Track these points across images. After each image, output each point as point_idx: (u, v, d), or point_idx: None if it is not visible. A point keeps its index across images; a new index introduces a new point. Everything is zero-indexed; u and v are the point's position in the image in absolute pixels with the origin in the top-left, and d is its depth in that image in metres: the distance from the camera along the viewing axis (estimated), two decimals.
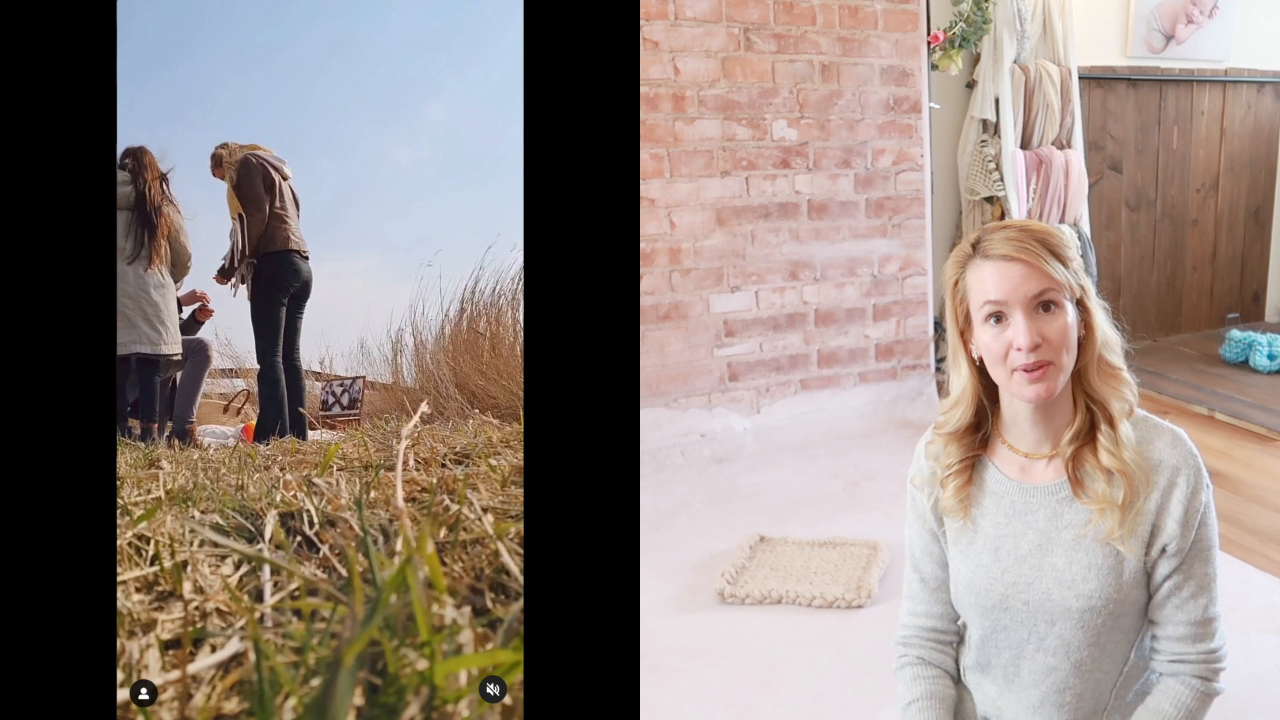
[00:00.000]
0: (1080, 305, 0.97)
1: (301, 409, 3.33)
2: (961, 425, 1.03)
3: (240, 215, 3.31)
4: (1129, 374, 1.00)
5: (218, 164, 3.42)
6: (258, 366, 3.37)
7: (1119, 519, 0.95)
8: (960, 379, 1.03)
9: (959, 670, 1.13)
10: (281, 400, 3.26)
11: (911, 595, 1.13)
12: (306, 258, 3.38)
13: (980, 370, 1.01)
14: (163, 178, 3.31)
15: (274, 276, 3.26)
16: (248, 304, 3.38)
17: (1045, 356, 0.94)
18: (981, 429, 1.04)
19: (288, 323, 3.31)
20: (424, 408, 1.82)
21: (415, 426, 1.71)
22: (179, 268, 3.39)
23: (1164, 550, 0.97)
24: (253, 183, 3.28)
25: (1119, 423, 0.97)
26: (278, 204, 3.32)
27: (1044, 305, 0.94)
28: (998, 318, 0.95)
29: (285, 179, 3.41)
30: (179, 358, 3.46)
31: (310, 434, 3.49)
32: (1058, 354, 0.94)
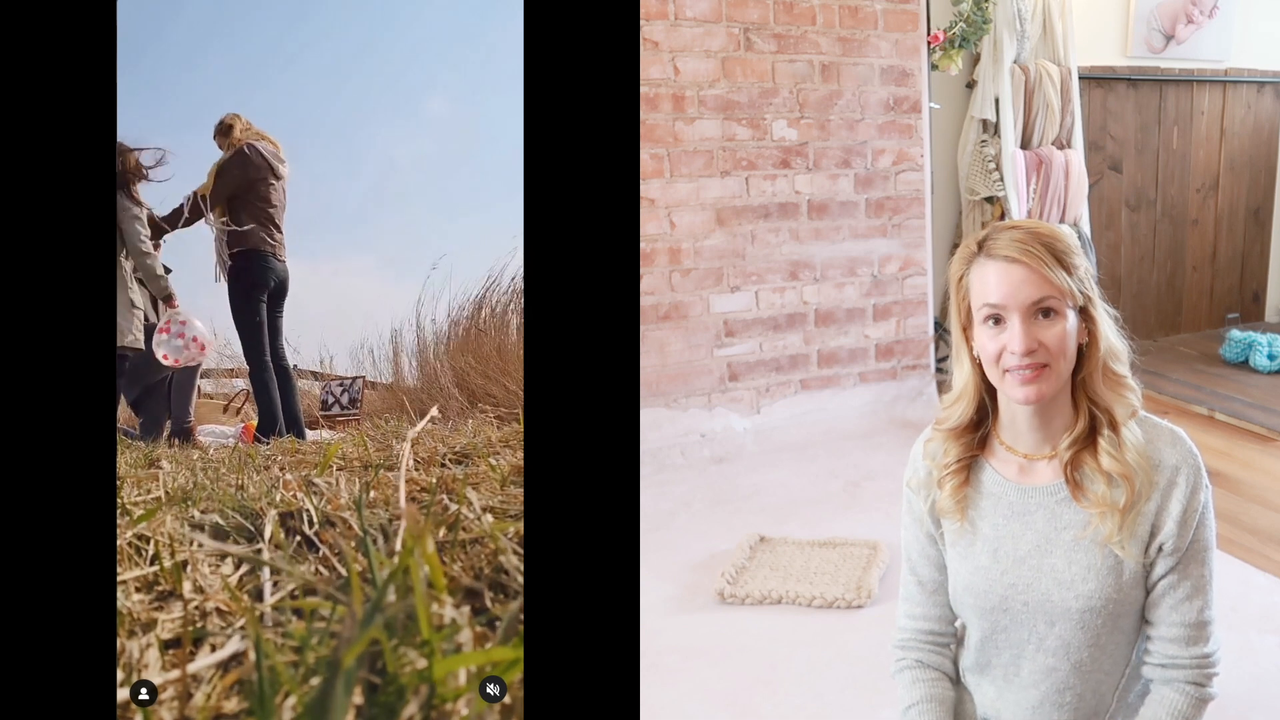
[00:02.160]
0: (1084, 313, 0.96)
1: (295, 407, 3.33)
2: (963, 421, 1.03)
3: (204, 197, 3.26)
4: (1134, 380, 0.99)
5: (223, 133, 3.35)
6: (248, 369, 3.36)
7: (1119, 522, 0.95)
8: (962, 375, 1.02)
9: (957, 671, 1.13)
10: (276, 399, 3.26)
11: (908, 598, 1.13)
12: (283, 260, 3.36)
13: (982, 367, 1.01)
14: (133, 174, 3.23)
15: (248, 278, 3.25)
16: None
17: (1040, 360, 0.93)
18: (981, 428, 1.04)
19: (268, 323, 3.30)
20: (434, 412, 1.82)
21: (421, 430, 1.71)
22: (149, 280, 3.28)
23: (1161, 549, 0.97)
24: (231, 175, 3.26)
25: (1122, 426, 0.96)
26: (258, 203, 3.29)
27: (1043, 311, 0.94)
28: (996, 319, 0.95)
29: (279, 179, 3.38)
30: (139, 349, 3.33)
31: (310, 434, 3.49)
32: (1053, 359, 0.94)
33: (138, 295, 3.27)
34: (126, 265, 3.21)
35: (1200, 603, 0.98)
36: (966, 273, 0.99)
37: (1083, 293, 0.95)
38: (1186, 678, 0.99)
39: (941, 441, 1.05)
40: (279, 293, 3.36)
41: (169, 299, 3.30)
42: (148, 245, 3.25)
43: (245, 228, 3.25)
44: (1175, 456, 0.97)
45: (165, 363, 3.29)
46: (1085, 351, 0.97)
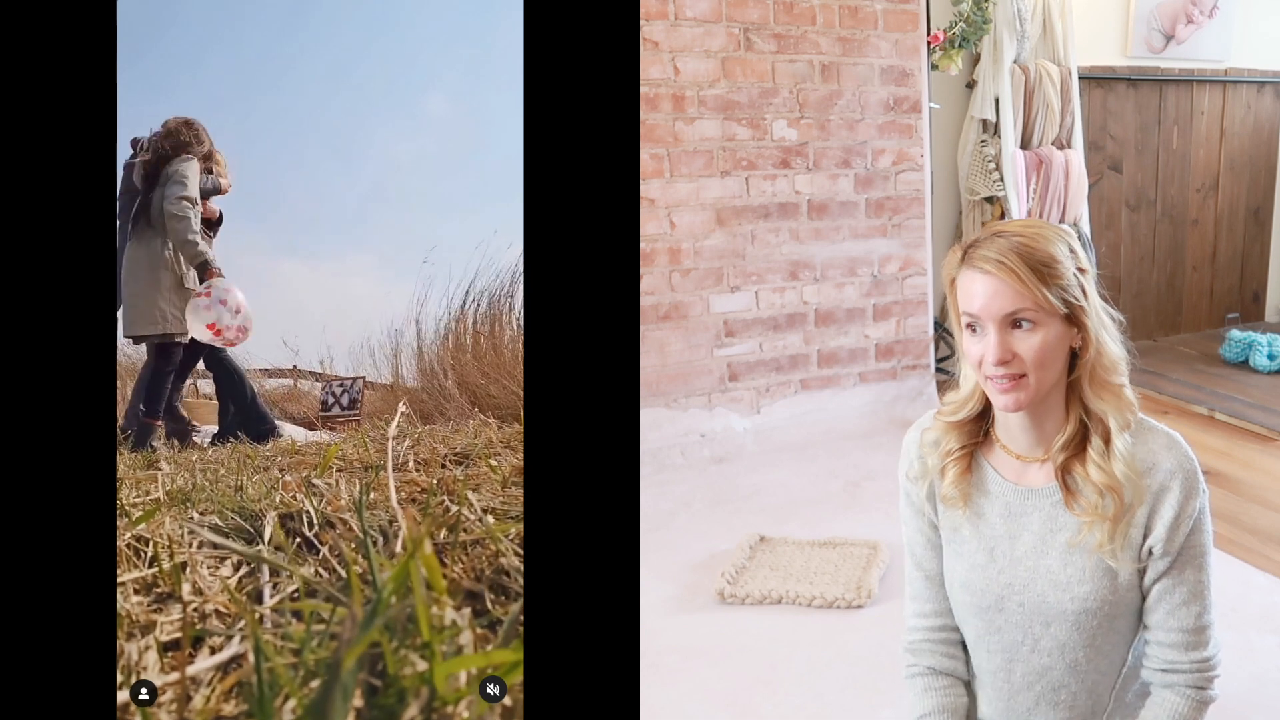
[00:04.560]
0: (1074, 320, 0.95)
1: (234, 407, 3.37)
2: (968, 418, 1.03)
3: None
4: (1131, 392, 0.97)
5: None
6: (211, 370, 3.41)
7: (1109, 532, 0.95)
8: (968, 376, 1.02)
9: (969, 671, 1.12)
10: (251, 388, 3.36)
11: (916, 595, 1.11)
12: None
13: None
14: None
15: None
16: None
17: (1015, 370, 0.93)
18: (983, 422, 1.04)
19: None
20: (402, 406, 1.83)
21: (397, 425, 1.71)
22: (184, 246, 3.08)
23: (1151, 552, 0.96)
24: (206, 185, 3.33)
25: (1114, 437, 0.95)
26: (204, 221, 3.36)
27: (1016, 323, 0.93)
28: (974, 328, 0.95)
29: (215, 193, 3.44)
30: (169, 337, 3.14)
31: (310, 435, 3.49)
32: (1029, 370, 0.93)
33: (191, 277, 3.08)
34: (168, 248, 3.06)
35: (1198, 608, 0.97)
36: (956, 277, 0.98)
37: (1067, 301, 0.93)
38: (1187, 681, 0.99)
39: (943, 432, 1.04)
40: None
41: (205, 267, 3.03)
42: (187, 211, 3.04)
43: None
44: (1170, 461, 0.96)
45: (204, 335, 2.97)
46: (1078, 355, 0.96)
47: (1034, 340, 0.93)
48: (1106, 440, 0.95)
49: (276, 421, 3.51)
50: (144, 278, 3.01)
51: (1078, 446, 0.97)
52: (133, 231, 3.08)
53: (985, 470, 1.03)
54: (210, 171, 3.36)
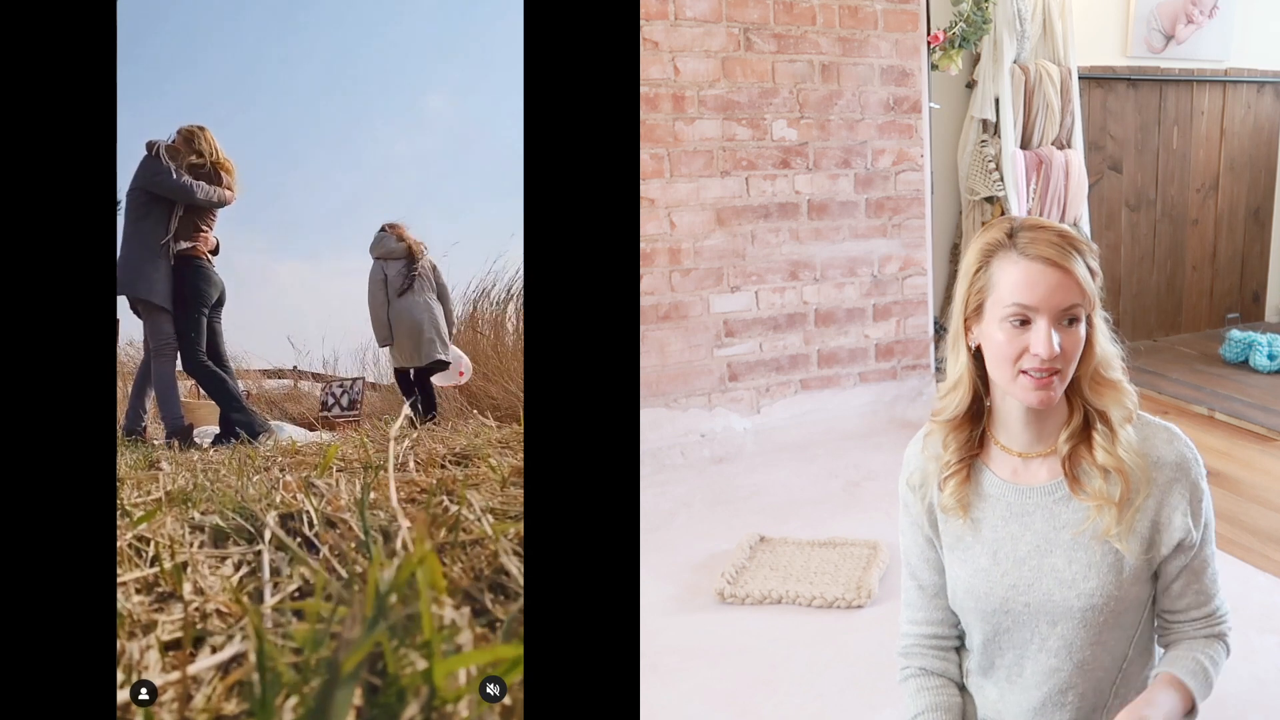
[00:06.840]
0: (1089, 320, 0.96)
1: (237, 408, 3.40)
2: (959, 412, 1.02)
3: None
4: (1128, 384, 0.99)
5: (190, 143, 3.38)
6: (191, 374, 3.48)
7: (1116, 516, 0.96)
8: (958, 365, 1.01)
9: (962, 674, 1.12)
10: (233, 390, 3.41)
11: (910, 603, 1.12)
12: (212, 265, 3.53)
13: (977, 359, 1.00)
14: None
15: (196, 289, 3.39)
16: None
17: (1056, 366, 0.93)
18: (978, 424, 1.03)
19: (209, 327, 3.44)
20: (406, 409, 1.86)
21: (401, 426, 1.72)
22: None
23: (1179, 545, 0.98)
24: (207, 195, 3.35)
25: (1118, 427, 0.97)
26: (204, 226, 3.43)
27: (1070, 318, 0.93)
28: (1021, 320, 0.93)
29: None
30: (448, 361, 4.28)
31: (310, 435, 3.50)
32: (1068, 365, 0.94)
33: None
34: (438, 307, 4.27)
35: (1211, 571, 1.01)
36: (987, 265, 0.96)
37: (1096, 300, 0.96)
38: (1201, 630, 1.02)
39: (940, 435, 1.04)
40: (220, 301, 3.53)
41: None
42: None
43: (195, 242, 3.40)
44: (1173, 454, 0.97)
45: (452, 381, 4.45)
46: (1081, 355, 0.97)
47: (1077, 336, 0.94)
48: (1110, 427, 0.97)
49: (268, 421, 3.57)
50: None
51: (1083, 435, 0.98)
52: (410, 289, 4.16)
53: (983, 475, 1.03)
54: (220, 183, 3.38)
